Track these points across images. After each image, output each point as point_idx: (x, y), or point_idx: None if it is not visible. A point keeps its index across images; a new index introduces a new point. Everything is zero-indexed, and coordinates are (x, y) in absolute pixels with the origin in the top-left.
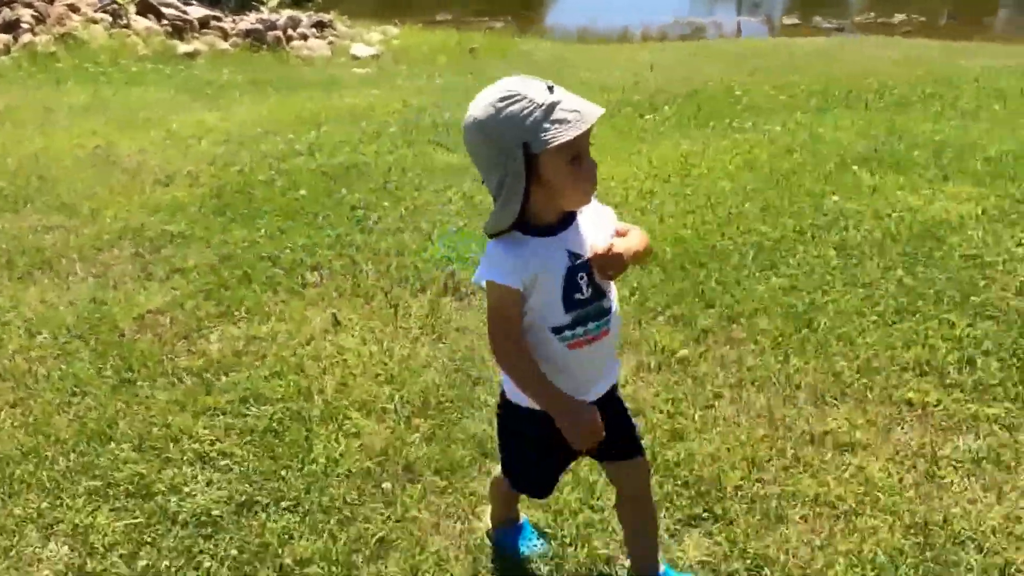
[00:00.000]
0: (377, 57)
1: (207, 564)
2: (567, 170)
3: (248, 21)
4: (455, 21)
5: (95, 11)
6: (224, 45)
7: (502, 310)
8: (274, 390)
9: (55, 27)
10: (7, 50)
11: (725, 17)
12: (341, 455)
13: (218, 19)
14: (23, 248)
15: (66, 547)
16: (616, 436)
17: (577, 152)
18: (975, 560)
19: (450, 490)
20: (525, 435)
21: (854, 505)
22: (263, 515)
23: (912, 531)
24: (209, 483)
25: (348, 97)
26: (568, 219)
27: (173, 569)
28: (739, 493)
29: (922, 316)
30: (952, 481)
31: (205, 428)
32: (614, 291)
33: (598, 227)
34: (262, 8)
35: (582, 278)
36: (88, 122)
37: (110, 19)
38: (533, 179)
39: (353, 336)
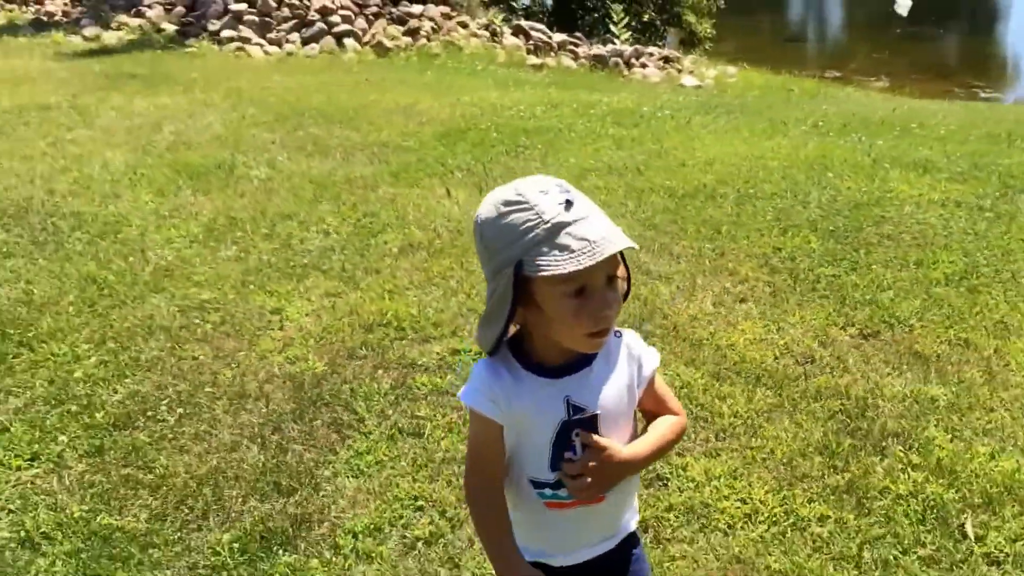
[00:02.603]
0: (699, 87)
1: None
2: (567, 304)
3: (601, 49)
4: (843, 79)
5: (478, 29)
6: (570, 63)
7: (478, 443)
8: (385, 214)
9: (444, 36)
10: (406, 48)
11: None
12: (383, 243)
13: (575, 44)
14: (316, 143)
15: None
16: None
17: (582, 285)
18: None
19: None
20: None
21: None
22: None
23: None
24: (319, 233)
25: (602, 96)
26: (583, 360)
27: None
28: None
29: (794, 234)
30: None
31: (331, 216)
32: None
33: (626, 381)
34: (616, 40)
35: (577, 435)
36: (417, 92)
37: (488, 35)
38: (528, 303)
39: (449, 200)
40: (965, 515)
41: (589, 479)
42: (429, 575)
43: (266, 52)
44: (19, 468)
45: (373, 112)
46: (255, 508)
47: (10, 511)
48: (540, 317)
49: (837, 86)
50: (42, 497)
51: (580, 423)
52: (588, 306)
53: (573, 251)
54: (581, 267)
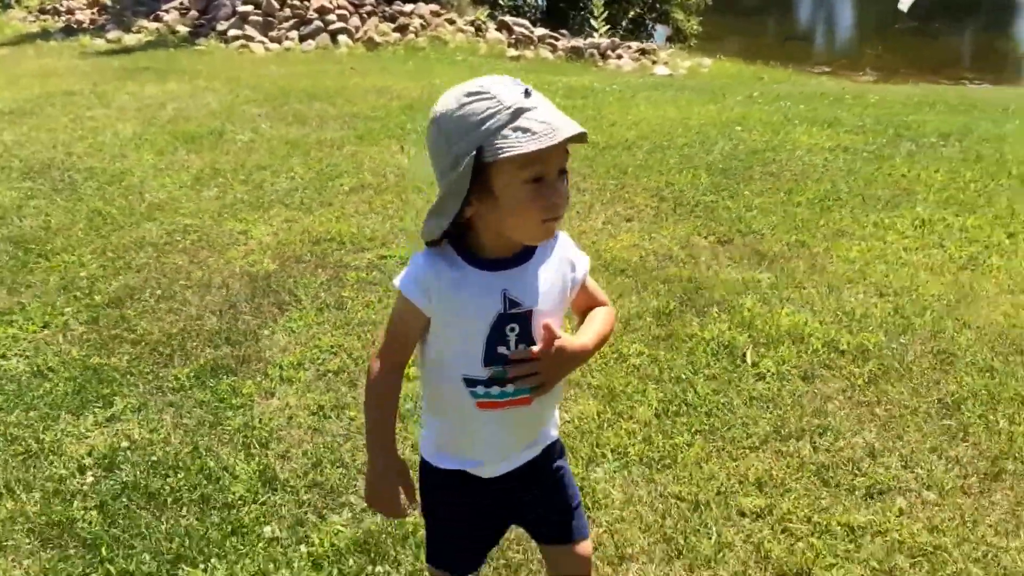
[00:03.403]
0: (670, 76)
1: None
2: (524, 191)
3: (579, 41)
4: (831, 73)
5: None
6: (548, 55)
7: (398, 327)
8: (345, 165)
9: (431, 32)
10: (395, 43)
11: None
12: (339, 184)
13: (555, 38)
14: (296, 115)
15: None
16: (548, 515)
17: (541, 173)
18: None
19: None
20: (436, 497)
21: None
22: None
23: None
24: (287, 179)
25: (565, 78)
26: (521, 256)
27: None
28: None
29: (689, 172)
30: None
31: (299, 167)
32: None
33: (560, 280)
34: (595, 34)
35: (512, 330)
36: (396, 78)
37: (473, 31)
38: (483, 193)
39: (402, 154)
40: (748, 348)
41: (538, 372)
42: (333, 391)
43: (267, 48)
44: (34, 332)
45: (352, 92)
46: (210, 353)
47: (27, 356)
48: (493, 207)
49: (810, 76)
50: (50, 347)
51: (515, 318)
52: (543, 192)
53: (535, 133)
54: (543, 147)
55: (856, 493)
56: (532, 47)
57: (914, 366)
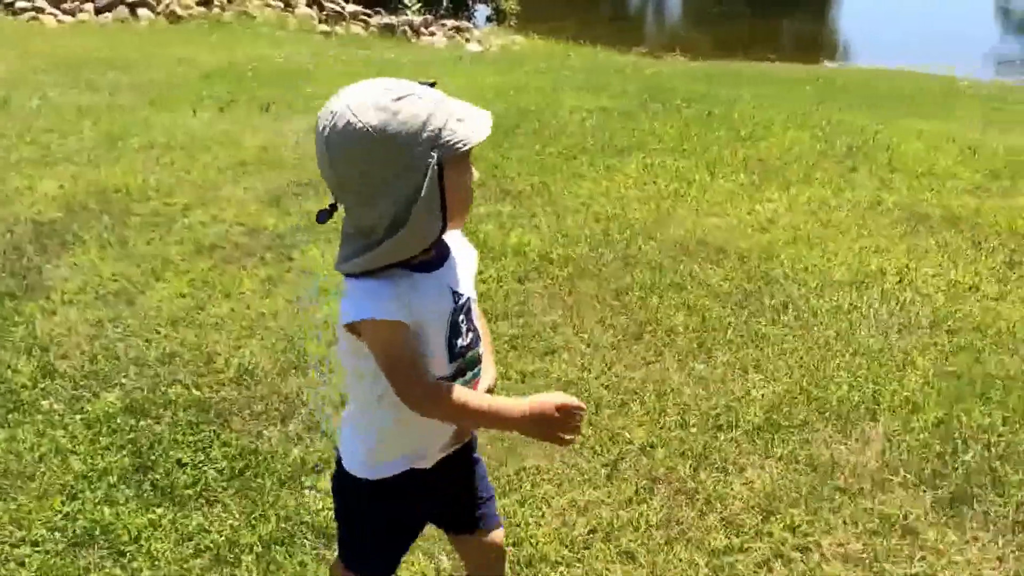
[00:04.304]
0: (481, 53)
1: None
2: (467, 178)
3: (392, 18)
4: (649, 54)
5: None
6: (360, 31)
7: (399, 350)
8: (136, 128)
9: (237, 7)
10: (200, 17)
11: None
12: (128, 144)
13: (368, 15)
14: (88, 83)
15: None
16: (466, 503)
17: (470, 160)
18: None
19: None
20: (367, 511)
21: None
22: None
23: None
24: (76, 140)
25: (369, 52)
26: (444, 251)
27: None
28: None
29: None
30: None
31: (88, 130)
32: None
33: (468, 264)
34: (408, 12)
35: (463, 321)
36: (198, 49)
37: (283, 5)
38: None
39: (194, 117)
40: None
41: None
42: (112, 307)
43: (59, 20)
44: None
45: (149, 62)
46: None
47: None
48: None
49: (622, 55)
50: None
51: (461, 309)
52: (471, 179)
53: (470, 118)
54: (488, 130)
55: (534, 352)
56: (343, 23)
57: (604, 268)
